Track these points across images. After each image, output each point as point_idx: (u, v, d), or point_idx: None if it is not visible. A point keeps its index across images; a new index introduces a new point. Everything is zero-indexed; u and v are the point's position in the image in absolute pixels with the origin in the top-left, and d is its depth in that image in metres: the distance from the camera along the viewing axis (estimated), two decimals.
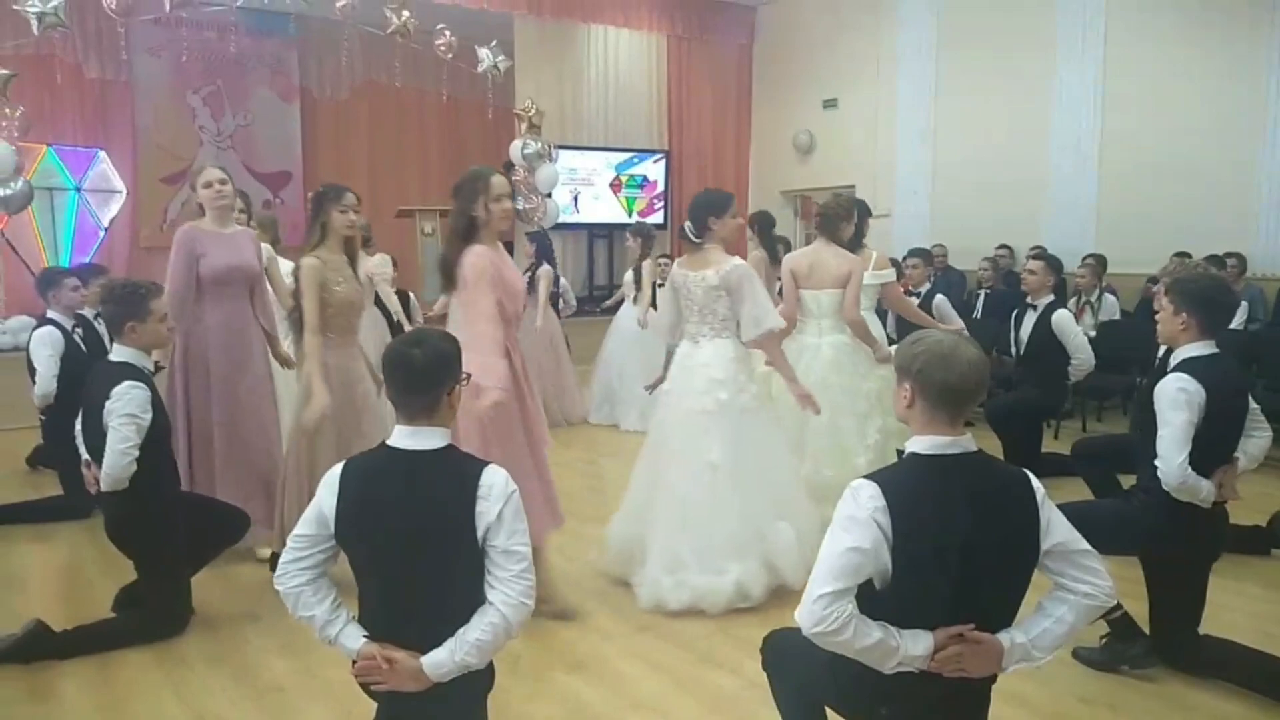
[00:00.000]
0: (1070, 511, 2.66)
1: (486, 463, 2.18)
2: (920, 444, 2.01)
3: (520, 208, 9.55)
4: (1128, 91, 8.51)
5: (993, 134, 9.45)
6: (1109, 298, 7.69)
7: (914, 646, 1.91)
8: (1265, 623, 3.60)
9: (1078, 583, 2.00)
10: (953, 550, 1.90)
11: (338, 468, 2.18)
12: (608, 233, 11.67)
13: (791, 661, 2.22)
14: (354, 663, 2.14)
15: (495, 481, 2.11)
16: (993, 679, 2.03)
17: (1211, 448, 2.97)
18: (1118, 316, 7.55)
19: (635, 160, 11.60)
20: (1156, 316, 3.22)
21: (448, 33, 8.50)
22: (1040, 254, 6.39)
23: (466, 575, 2.10)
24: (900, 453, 2.06)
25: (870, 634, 1.89)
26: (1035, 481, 2.02)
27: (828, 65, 11.18)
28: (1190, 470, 2.89)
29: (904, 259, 6.96)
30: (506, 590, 2.08)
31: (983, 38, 9.59)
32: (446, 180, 10.49)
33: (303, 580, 2.15)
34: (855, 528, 1.91)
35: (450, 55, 8.56)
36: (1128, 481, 4.55)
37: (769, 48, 12.02)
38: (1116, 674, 3.14)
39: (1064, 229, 8.88)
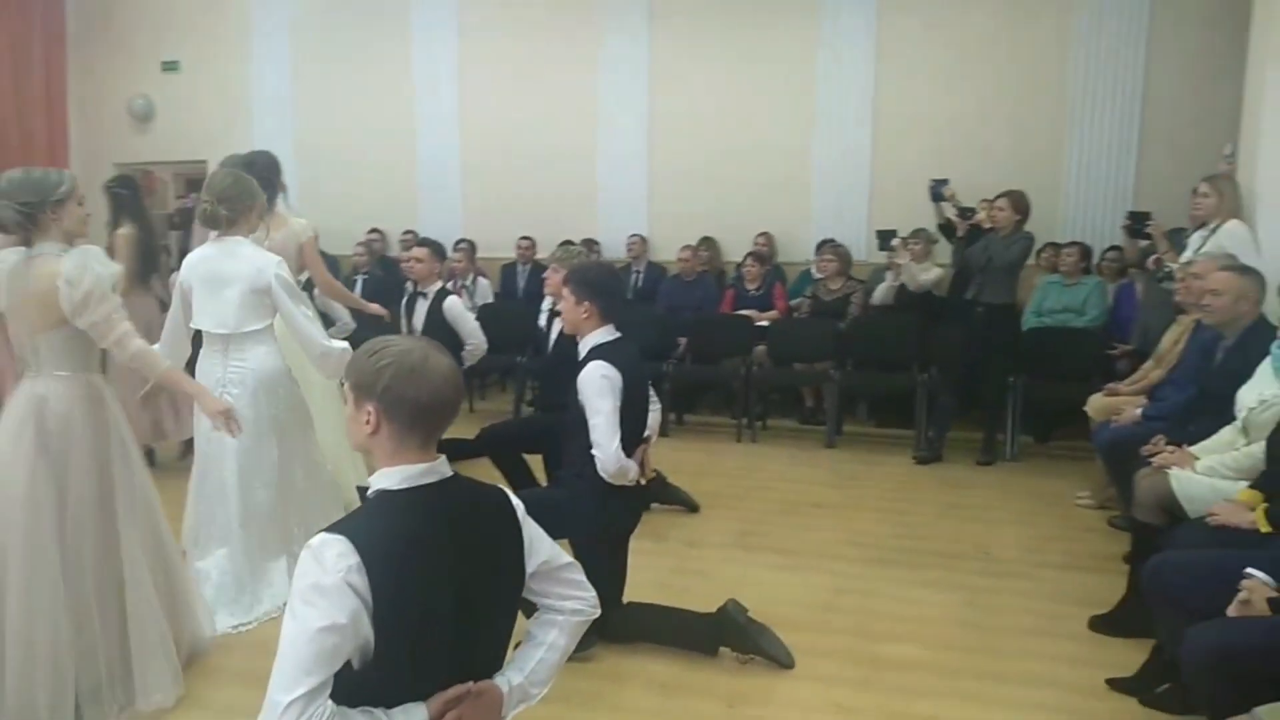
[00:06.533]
0: None
1: None
2: (390, 478, 1.67)
3: None
4: (480, 81, 8.93)
5: (361, 113, 9.20)
6: (482, 281, 8.05)
7: None
8: (660, 574, 3.98)
9: (564, 600, 1.88)
10: (444, 598, 1.62)
11: None
12: None
13: None
14: None
15: None
16: None
17: (629, 428, 3.11)
18: (491, 300, 7.92)
19: None
20: (558, 306, 3.29)
21: None
22: (424, 240, 6.34)
23: None
24: (363, 491, 1.69)
25: None
26: (514, 498, 1.82)
27: (164, 22, 9.81)
28: (623, 454, 2.99)
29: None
30: None
31: (340, 18, 9.29)
32: None
33: None
34: (323, 600, 1.50)
35: None
36: (532, 460, 4.75)
37: None
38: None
39: (435, 214, 9.04)
